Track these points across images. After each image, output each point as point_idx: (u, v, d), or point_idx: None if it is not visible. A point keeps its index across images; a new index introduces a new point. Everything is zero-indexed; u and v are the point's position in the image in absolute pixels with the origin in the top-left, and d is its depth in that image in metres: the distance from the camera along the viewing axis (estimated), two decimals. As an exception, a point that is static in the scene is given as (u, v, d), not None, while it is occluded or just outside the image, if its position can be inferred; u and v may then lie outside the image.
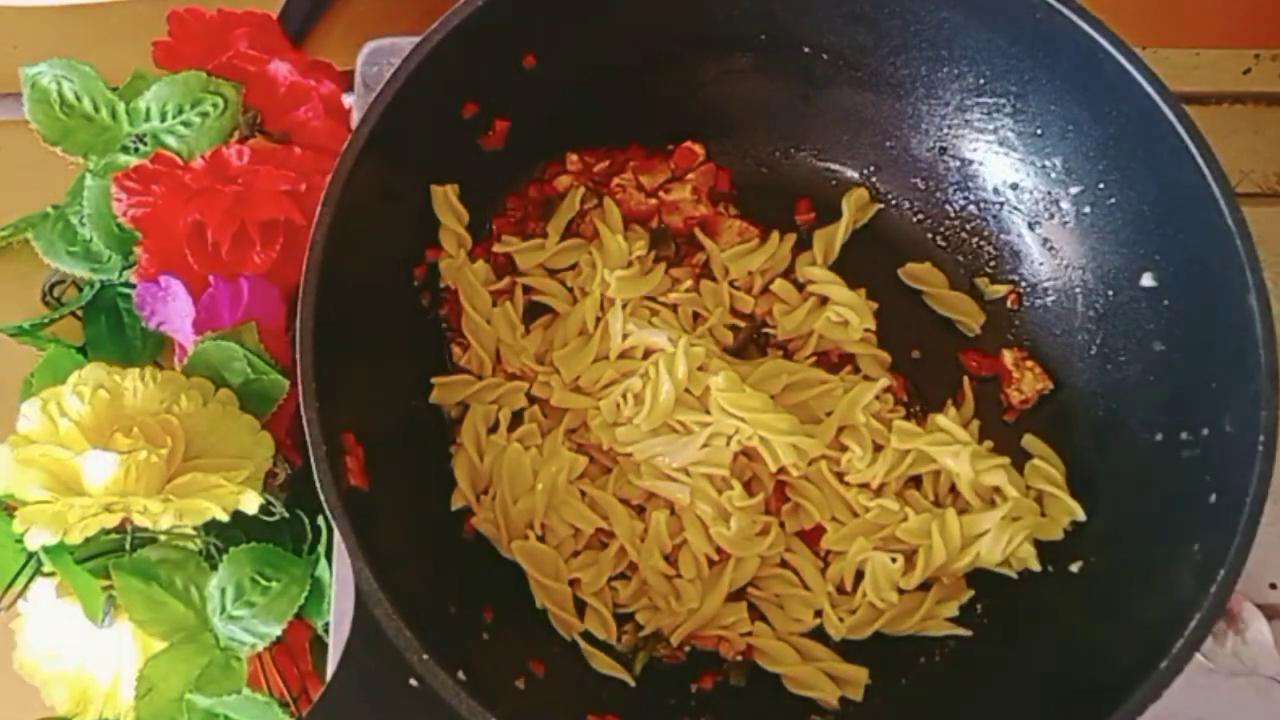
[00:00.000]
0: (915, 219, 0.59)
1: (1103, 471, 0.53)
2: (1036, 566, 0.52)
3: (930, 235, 0.59)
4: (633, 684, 0.51)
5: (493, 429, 0.54)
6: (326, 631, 0.51)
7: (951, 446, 0.53)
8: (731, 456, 0.52)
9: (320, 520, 0.51)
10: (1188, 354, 0.50)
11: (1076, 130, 0.52)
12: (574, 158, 0.57)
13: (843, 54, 0.55)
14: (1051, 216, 0.56)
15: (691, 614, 0.51)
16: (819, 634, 0.52)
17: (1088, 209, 0.54)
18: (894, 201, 0.59)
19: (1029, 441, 0.55)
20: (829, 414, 0.54)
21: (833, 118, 0.58)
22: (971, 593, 0.53)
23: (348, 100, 0.58)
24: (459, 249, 0.54)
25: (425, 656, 0.42)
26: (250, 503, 0.47)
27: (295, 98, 0.56)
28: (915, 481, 0.54)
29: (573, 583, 0.52)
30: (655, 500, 0.53)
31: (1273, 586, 0.55)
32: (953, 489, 0.54)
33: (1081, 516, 0.52)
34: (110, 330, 0.55)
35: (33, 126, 0.53)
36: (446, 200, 0.54)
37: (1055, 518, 0.52)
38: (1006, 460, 0.53)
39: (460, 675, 0.42)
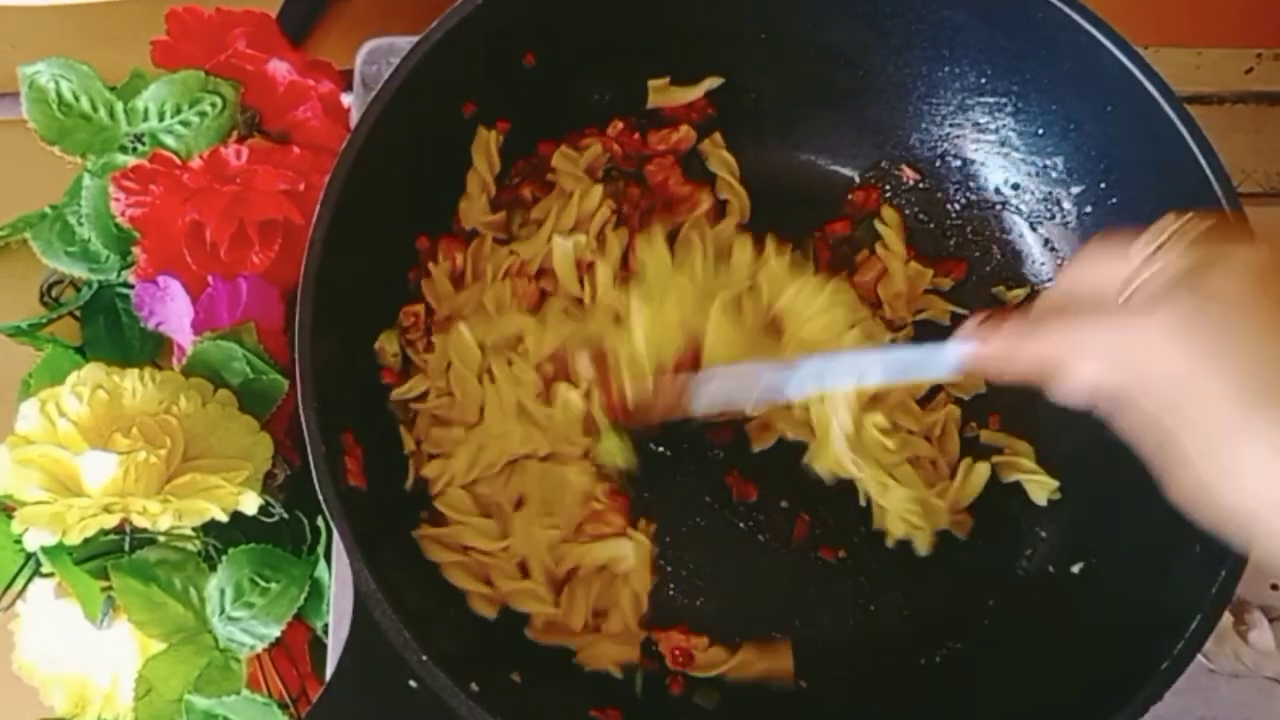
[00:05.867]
0: (916, 219, 0.59)
1: (1104, 472, 0.52)
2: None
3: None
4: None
5: None
6: (325, 633, 0.51)
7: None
8: None
9: (319, 521, 0.51)
10: (1189, 354, 0.50)
11: (1078, 130, 0.52)
12: (620, 124, 0.57)
13: (844, 53, 0.55)
14: (1053, 217, 0.56)
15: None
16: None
17: (1089, 209, 0.54)
18: (894, 202, 0.59)
19: (989, 436, 0.55)
20: None
21: (833, 118, 0.58)
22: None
23: (346, 100, 0.58)
24: (481, 193, 0.54)
25: (425, 657, 0.42)
26: (249, 503, 0.47)
27: (294, 97, 0.56)
28: None
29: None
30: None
31: (1274, 587, 0.55)
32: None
33: (1055, 483, 0.53)
34: (109, 330, 0.55)
35: (31, 126, 0.53)
36: (486, 146, 0.54)
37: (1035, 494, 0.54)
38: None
39: (460, 676, 0.42)
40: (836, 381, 0.49)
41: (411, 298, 0.54)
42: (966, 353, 0.41)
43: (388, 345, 0.52)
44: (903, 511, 0.52)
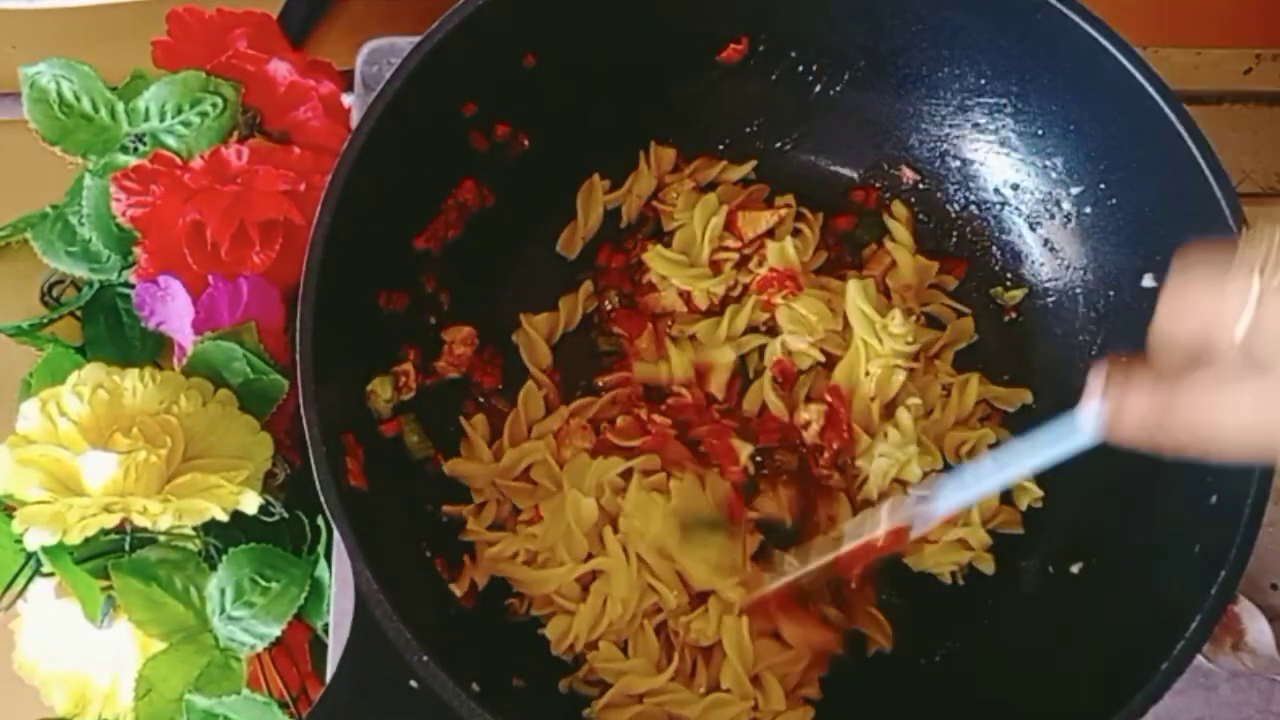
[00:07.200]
0: (916, 219, 0.59)
1: (1103, 473, 0.52)
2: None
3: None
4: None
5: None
6: (326, 632, 0.51)
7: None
8: None
9: (320, 521, 0.51)
10: (1189, 355, 0.50)
11: (1078, 130, 0.52)
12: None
13: (844, 54, 0.55)
14: (1052, 217, 0.56)
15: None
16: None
17: (1089, 209, 0.54)
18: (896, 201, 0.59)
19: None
20: None
21: (833, 118, 0.58)
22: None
23: (347, 100, 0.58)
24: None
25: (425, 657, 0.42)
26: (250, 503, 0.47)
27: (295, 97, 0.56)
28: None
29: None
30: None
31: (1273, 587, 0.55)
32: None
33: (1039, 492, 0.54)
34: (109, 330, 0.55)
35: (32, 126, 0.53)
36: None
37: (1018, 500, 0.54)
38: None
39: (460, 676, 0.42)
40: (981, 489, 0.46)
41: (407, 331, 0.53)
42: (1103, 421, 0.35)
43: (380, 391, 0.50)
44: (949, 563, 0.53)
